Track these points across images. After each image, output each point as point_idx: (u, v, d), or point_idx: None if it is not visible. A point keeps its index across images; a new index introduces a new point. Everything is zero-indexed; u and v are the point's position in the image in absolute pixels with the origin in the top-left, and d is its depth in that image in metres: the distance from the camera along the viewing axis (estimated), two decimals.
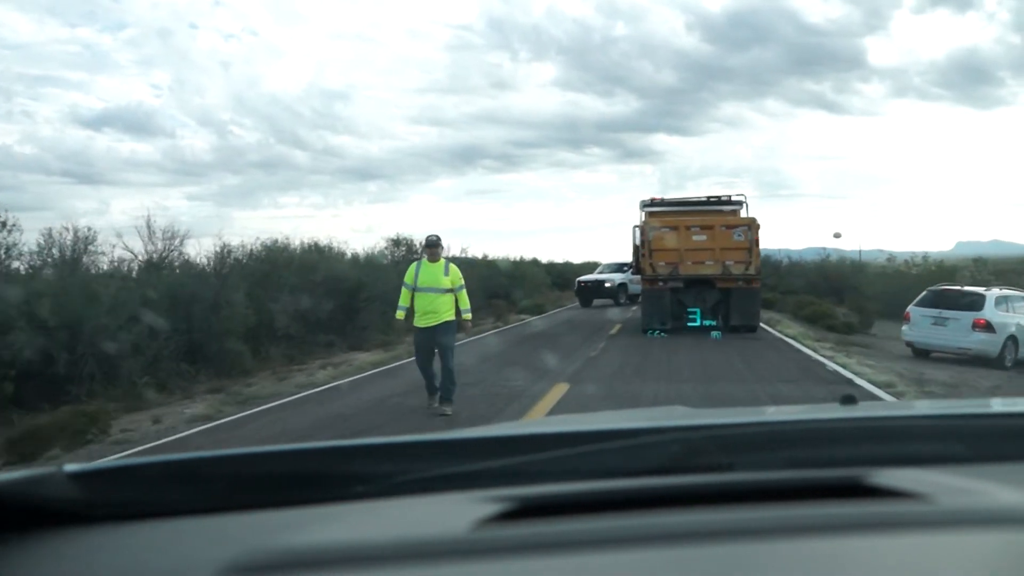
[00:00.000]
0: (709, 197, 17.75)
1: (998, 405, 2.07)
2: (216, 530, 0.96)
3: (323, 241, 22.34)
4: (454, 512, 0.87)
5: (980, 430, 1.29)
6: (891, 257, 25.93)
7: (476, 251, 34.95)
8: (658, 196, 18.04)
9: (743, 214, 17.03)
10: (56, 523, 0.96)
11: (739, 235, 16.05)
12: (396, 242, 28.91)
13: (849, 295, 24.51)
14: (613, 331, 17.87)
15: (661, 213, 17.21)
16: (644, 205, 17.62)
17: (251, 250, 17.90)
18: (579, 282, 30.29)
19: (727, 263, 15.90)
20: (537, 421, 2.82)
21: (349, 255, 23.58)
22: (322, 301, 17.38)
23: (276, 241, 19.66)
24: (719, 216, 16.91)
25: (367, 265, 22.65)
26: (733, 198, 17.48)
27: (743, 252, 15.89)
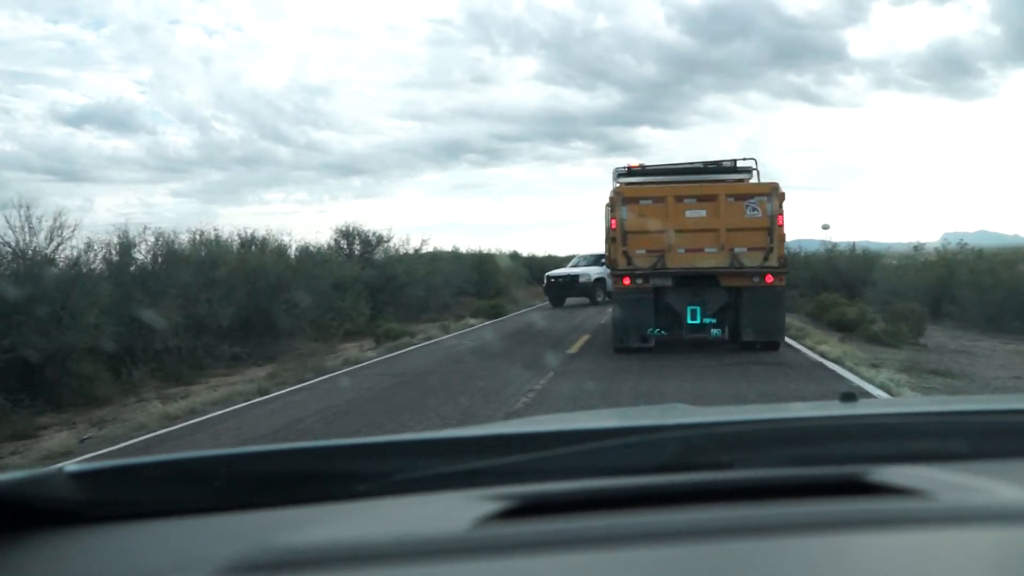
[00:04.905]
0: (707, 163, 12.46)
1: (998, 402, 1.98)
2: (216, 529, 0.97)
3: (260, 233, 19.01)
4: (455, 510, 0.88)
5: (980, 427, 1.28)
6: (918, 246, 22.58)
7: (444, 244, 32.30)
8: (637, 164, 12.50)
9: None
10: (56, 523, 0.97)
11: (754, 209, 10.95)
12: (346, 234, 25.17)
13: (868, 291, 21.12)
14: (574, 348, 12.78)
15: (642, 184, 11.90)
16: (619, 174, 12.29)
17: (137, 244, 14.30)
18: (548, 277, 25.04)
19: (737, 251, 10.97)
20: (537, 419, 2.45)
21: (295, 248, 20.31)
22: (221, 304, 13.90)
23: (173, 231, 15.74)
24: (723, 185, 11.67)
25: (302, 260, 19.35)
26: (739, 164, 12.30)
27: (760, 234, 10.91)
